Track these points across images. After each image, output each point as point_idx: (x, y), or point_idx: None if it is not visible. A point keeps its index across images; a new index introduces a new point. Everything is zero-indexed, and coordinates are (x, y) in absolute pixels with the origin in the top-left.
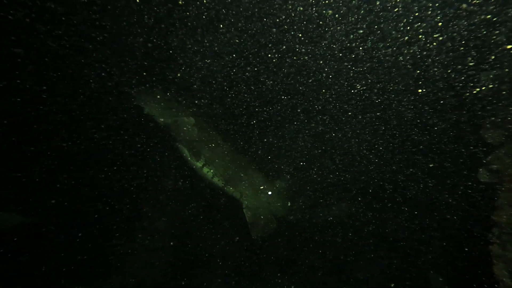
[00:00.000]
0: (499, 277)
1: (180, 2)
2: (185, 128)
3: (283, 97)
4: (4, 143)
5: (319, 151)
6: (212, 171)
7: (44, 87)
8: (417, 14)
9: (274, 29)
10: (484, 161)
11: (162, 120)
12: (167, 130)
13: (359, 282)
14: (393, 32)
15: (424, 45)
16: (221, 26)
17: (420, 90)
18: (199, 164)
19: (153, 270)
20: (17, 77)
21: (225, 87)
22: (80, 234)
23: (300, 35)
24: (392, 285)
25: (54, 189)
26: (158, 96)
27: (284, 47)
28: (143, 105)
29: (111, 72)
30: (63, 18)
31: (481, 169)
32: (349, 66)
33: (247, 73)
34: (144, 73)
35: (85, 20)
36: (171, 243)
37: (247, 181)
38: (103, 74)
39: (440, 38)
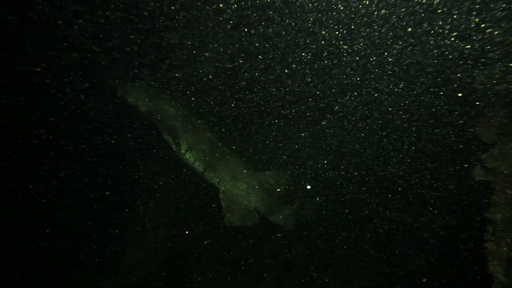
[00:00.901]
0: (494, 274)
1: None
2: (168, 116)
3: (273, 90)
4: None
5: (308, 147)
6: (193, 156)
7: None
8: (416, 16)
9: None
10: (479, 160)
11: (145, 109)
12: (150, 119)
13: (354, 281)
14: (389, 34)
15: (420, 45)
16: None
17: (415, 91)
18: (182, 150)
19: (147, 270)
20: None
21: (214, 79)
22: (72, 234)
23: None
24: (424, 279)
25: (45, 189)
26: (141, 86)
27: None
28: (126, 95)
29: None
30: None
31: (476, 168)
32: (342, 63)
33: (236, 65)
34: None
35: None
36: (165, 243)
37: (227, 168)
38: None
39: (436, 38)
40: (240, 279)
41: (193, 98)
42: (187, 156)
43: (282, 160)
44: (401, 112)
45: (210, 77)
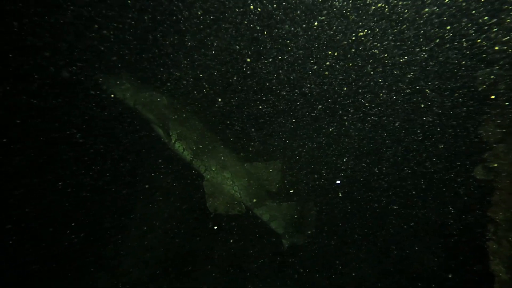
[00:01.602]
0: (495, 273)
1: None
2: (157, 108)
3: (266, 84)
4: None
5: (301, 140)
6: (183, 146)
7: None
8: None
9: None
10: (481, 159)
11: (133, 102)
12: (138, 111)
13: (354, 282)
14: (390, 32)
15: (422, 44)
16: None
17: (417, 90)
18: (172, 140)
19: (146, 270)
20: None
21: (207, 72)
22: (72, 233)
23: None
24: (450, 275)
25: (43, 189)
26: (126, 79)
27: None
28: (111, 88)
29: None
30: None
31: (477, 166)
32: (340, 62)
33: (229, 59)
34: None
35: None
36: (164, 242)
37: (214, 157)
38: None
39: (438, 37)
40: (240, 278)
41: (184, 91)
42: (177, 145)
43: (272, 154)
44: (402, 111)
45: (205, 72)
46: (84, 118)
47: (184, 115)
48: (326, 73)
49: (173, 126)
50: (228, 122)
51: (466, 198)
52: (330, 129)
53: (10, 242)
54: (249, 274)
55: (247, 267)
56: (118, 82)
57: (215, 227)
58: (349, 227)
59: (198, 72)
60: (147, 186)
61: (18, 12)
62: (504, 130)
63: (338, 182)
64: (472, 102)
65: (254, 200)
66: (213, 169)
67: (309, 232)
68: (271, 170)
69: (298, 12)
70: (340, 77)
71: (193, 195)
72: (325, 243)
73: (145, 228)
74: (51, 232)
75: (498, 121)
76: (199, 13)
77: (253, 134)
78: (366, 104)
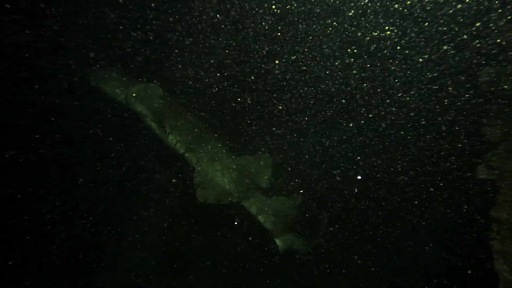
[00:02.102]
0: (499, 273)
1: None
2: (150, 99)
3: (259, 79)
4: None
5: (290, 138)
6: (175, 139)
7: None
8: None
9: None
10: (484, 158)
11: (124, 97)
12: (130, 105)
13: (354, 282)
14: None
15: (425, 44)
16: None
17: (421, 89)
18: (164, 133)
19: (146, 269)
20: None
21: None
22: (71, 233)
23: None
24: (454, 275)
25: (44, 189)
26: (115, 74)
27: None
28: (100, 84)
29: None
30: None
31: (480, 166)
32: (342, 64)
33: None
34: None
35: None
36: (163, 242)
37: (206, 150)
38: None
39: (441, 37)
40: (240, 278)
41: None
42: (170, 138)
43: (263, 148)
44: (406, 111)
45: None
46: (88, 114)
47: (177, 109)
48: (339, 72)
49: (166, 119)
50: (227, 119)
51: (469, 197)
52: (343, 128)
53: (10, 242)
54: (249, 274)
55: (247, 267)
56: (107, 77)
57: (215, 228)
58: (354, 225)
59: (194, 69)
60: (147, 186)
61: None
62: (506, 130)
63: (359, 177)
64: (475, 101)
65: (243, 193)
66: (205, 161)
67: (314, 240)
68: (261, 165)
69: (318, 10)
70: (357, 76)
71: (193, 195)
72: (329, 243)
73: (145, 228)
74: (51, 232)
75: (501, 121)
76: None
77: (250, 130)
78: (369, 105)
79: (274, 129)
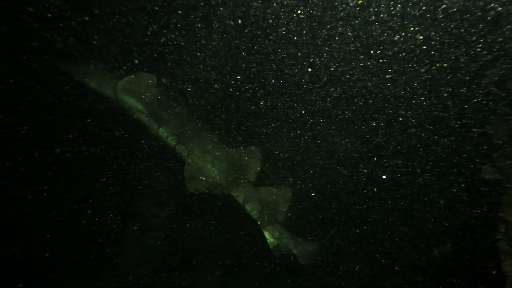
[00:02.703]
0: (507, 273)
1: None
2: (146, 87)
3: (251, 74)
4: None
5: (283, 131)
6: (166, 132)
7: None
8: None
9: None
10: (491, 159)
11: (110, 92)
12: (118, 99)
13: (357, 282)
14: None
15: (430, 42)
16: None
17: (428, 89)
18: (155, 127)
19: (146, 269)
20: None
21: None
22: (72, 233)
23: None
24: (461, 275)
25: (44, 189)
26: (100, 67)
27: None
28: (85, 79)
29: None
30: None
31: (486, 166)
32: (345, 64)
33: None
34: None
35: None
36: (164, 242)
37: (198, 142)
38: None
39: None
40: (241, 278)
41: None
42: (161, 132)
43: (255, 140)
44: (413, 111)
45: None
46: (88, 111)
47: (166, 102)
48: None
49: (155, 114)
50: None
51: (476, 198)
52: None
53: (11, 241)
54: (250, 275)
55: (248, 267)
56: (91, 71)
57: (216, 227)
58: (353, 230)
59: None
60: (148, 185)
61: None
62: None
63: (384, 177)
64: (481, 101)
65: (232, 182)
66: (196, 153)
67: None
68: (251, 157)
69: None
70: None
71: (194, 194)
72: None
73: (146, 227)
74: (52, 232)
75: (508, 121)
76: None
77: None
78: (373, 106)
79: (287, 129)
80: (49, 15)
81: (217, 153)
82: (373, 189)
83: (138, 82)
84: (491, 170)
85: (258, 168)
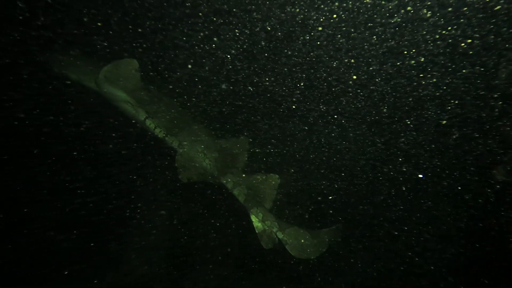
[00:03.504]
0: None
1: None
2: (128, 73)
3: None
4: None
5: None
6: (154, 123)
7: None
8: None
9: None
10: (502, 160)
11: (92, 83)
12: (101, 91)
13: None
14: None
15: (441, 42)
16: None
17: (438, 89)
18: (141, 118)
19: (149, 269)
20: None
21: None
22: (74, 233)
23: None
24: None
25: (45, 189)
26: (79, 58)
27: None
28: (65, 70)
29: None
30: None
31: (498, 168)
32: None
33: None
34: None
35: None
36: (167, 241)
37: (189, 133)
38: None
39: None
40: (243, 278)
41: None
42: (147, 123)
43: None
44: (423, 111)
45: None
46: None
47: (152, 93)
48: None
49: (140, 105)
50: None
51: (488, 199)
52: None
53: (13, 241)
54: (252, 275)
55: (250, 268)
56: (71, 62)
57: (219, 227)
58: (363, 229)
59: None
60: (150, 185)
61: None
62: None
63: (421, 175)
64: (493, 102)
65: (222, 170)
66: (187, 144)
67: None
68: (241, 146)
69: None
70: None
71: (197, 194)
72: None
73: (149, 227)
74: (55, 231)
75: None
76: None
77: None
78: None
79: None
80: (26, 4)
81: (208, 143)
82: (377, 187)
83: (119, 69)
84: (504, 172)
85: (246, 156)
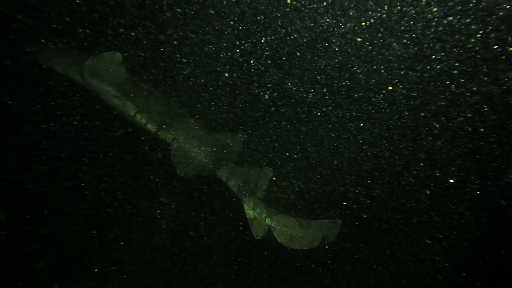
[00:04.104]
0: None
1: None
2: (112, 66)
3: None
4: None
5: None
6: (145, 118)
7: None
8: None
9: None
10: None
11: (79, 74)
12: (87, 85)
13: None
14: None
15: (451, 44)
16: None
17: (449, 91)
18: (131, 113)
19: (151, 269)
20: None
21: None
22: (76, 233)
23: None
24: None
25: (49, 187)
26: (64, 50)
27: None
28: (51, 63)
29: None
30: None
31: (509, 170)
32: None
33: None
34: None
35: None
36: (170, 242)
37: (181, 127)
38: None
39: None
40: (246, 279)
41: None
42: (138, 118)
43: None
44: (433, 112)
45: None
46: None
47: (142, 88)
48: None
49: (130, 99)
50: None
51: (498, 201)
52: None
53: (15, 241)
54: (255, 275)
55: (253, 268)
56: (56, 55)
57: (222, 228)
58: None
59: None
60: (152, 185)
61: None
62: None
63: (452, 180)
64: (503, 103)
65: (218, 163)
66: (181, 138)
67: None
68: (236, 140)
69: None
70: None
71: (199, 194)
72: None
73: (152, 228)
74: (57, 232)
75: None
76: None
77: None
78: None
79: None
80: None
81: (203, 138)
82: (377, 183)
83: (102, 63)
84: None
85: (240, 149)
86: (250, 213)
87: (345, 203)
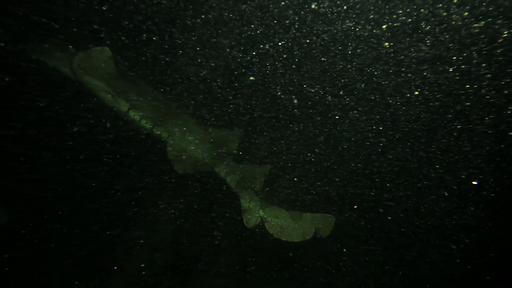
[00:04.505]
0: None
1: None
2: (102, 62)
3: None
4: None
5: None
6: (138, 115)
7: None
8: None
9: None
10: None
11: (71, 69)
12: (79, 80)
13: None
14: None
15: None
16: None
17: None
18: (124, 109)
19: (153, 270)
20: None
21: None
22: (78, 234)
23: None
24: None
25: (50, 187)
26: (57, 45)
27: None
28: (43, 58)
29: None
30: None
31: None
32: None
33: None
34: None
35: None
36: (171, 242)
37: (176, 123)
38: None
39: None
40: (248, 279)
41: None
42: (132, 114)
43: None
44: (443, 112)
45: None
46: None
47: (136, 83)
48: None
49: (124, 95)
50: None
51: (505, 200)
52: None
53: (19, 242)
54: (257, 275)
55: (255, 268)
56: (48, 50)
57: (224, 228)
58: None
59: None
60: (155, 185)
61: None
62: None
63: (475, 182)
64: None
65: (215, 159)
66: (177, 134)
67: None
68: (232, 135)
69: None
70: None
71: (200, 194)
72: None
73: (154, 228)
74: (59, 233)
75: None
76: None
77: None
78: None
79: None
80: None
81: (199, 134)
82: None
83: (91, 58)
84: None
85: (237, 144)
86: (245, 205)
87: (364, 204)
